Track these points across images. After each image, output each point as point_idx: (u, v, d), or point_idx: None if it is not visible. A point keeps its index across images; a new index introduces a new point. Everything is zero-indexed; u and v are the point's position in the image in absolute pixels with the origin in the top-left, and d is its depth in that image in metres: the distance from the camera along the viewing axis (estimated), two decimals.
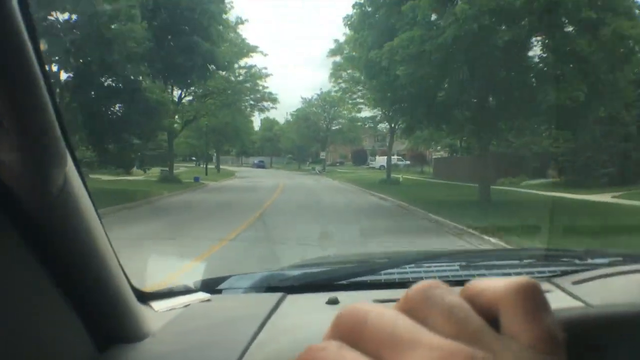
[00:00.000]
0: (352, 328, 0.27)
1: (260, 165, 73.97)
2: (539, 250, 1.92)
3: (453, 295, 0.27)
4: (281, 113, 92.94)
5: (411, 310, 0.27)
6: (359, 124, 51.94)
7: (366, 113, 31.94)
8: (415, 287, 0.28)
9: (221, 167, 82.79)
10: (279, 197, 19.68)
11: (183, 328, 0.88)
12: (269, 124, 75.30)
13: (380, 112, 30.90)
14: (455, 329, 0.26)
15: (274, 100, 30.64)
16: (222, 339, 0.85)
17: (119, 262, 0.78)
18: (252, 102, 29.95)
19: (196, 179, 27.45)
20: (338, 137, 54.59)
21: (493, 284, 0.28)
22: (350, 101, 30.16)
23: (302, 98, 52.38)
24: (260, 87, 29.74)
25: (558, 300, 1.07)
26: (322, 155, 52.93)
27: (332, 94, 52.30)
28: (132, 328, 0.78)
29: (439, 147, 43.87)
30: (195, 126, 41.75)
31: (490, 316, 0.27)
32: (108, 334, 0.74)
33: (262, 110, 31.15)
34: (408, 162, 56.94)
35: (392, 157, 66.74)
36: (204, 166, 44.86)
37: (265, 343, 0.82)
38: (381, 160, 60.11)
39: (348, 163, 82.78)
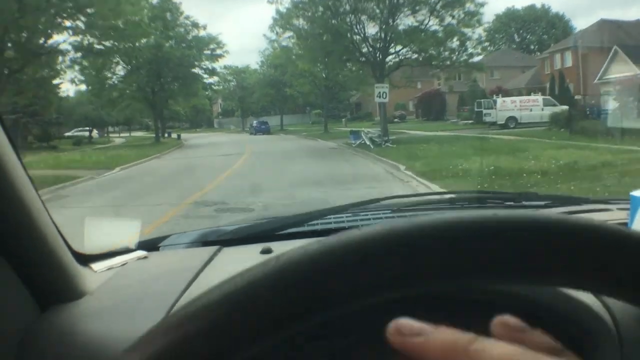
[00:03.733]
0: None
1: (262, 130, 42.58)
2: (471, 193, 1.89)
3: None
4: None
5: None
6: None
7: None
8: None
9: (194, 134, 52.38)
10: None
11: (119, 284, 0.91)
12: (272, 55, 42.65)
13: None
14: None
15: None
16: (155, 293, 0.88)
17: (56, 226, 0.81)
18: None
19: None
20: (412, 46, 20.00)
21: None
22: None
23: None
24: None
25: None
26: (380, 93, 18.08)
27: None
28: (71, 288, 0.82)
29: None
30: None
31: None
32: (49, 295, 0.79)
33: None
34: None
35: (536, 97, 32.26)
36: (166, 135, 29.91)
37: (196, 294, 0.80)
38: (510, 105, 27.00)
39: (410, 118, 50.18)
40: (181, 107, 50.35)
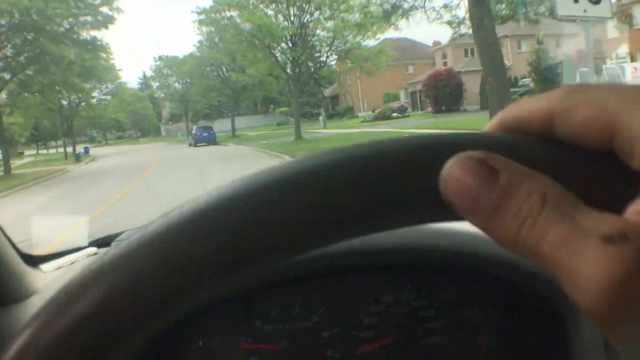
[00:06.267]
0: None
1: (205, 138, 29.54)
2: None
3: None
4: None
5: None
6: None
7: None
8: None
9: (132, 145, 39.20)
10: None
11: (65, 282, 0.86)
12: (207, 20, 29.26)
13: None
14: None
15: None
16: None
17: (0, 227, 0.81)
18: None
19: None
20: None
21: None
22: None
23: None
24: None
25: None
26: None
27: None
28: (18, 289, 0.81)
29: None
30: None
31: None
32: None
33: None
34: None
35: None
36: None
37: None
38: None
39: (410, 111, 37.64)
40: (95, 113, 36.80)
